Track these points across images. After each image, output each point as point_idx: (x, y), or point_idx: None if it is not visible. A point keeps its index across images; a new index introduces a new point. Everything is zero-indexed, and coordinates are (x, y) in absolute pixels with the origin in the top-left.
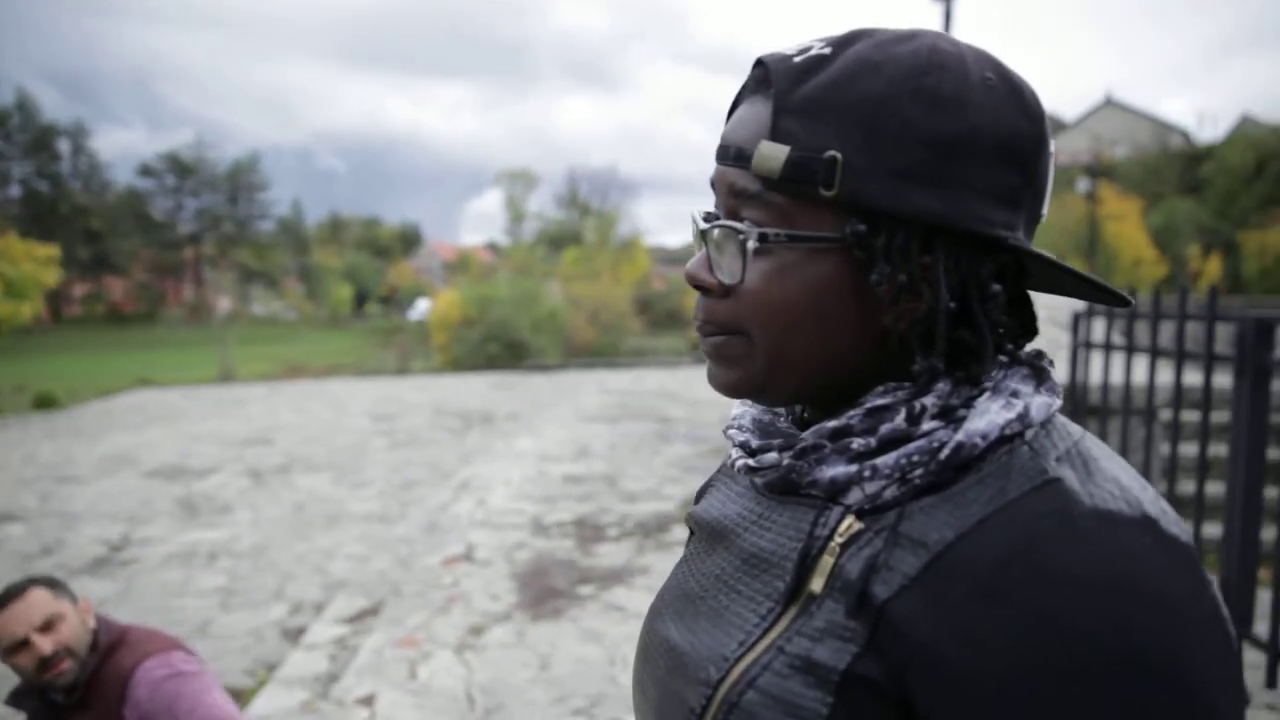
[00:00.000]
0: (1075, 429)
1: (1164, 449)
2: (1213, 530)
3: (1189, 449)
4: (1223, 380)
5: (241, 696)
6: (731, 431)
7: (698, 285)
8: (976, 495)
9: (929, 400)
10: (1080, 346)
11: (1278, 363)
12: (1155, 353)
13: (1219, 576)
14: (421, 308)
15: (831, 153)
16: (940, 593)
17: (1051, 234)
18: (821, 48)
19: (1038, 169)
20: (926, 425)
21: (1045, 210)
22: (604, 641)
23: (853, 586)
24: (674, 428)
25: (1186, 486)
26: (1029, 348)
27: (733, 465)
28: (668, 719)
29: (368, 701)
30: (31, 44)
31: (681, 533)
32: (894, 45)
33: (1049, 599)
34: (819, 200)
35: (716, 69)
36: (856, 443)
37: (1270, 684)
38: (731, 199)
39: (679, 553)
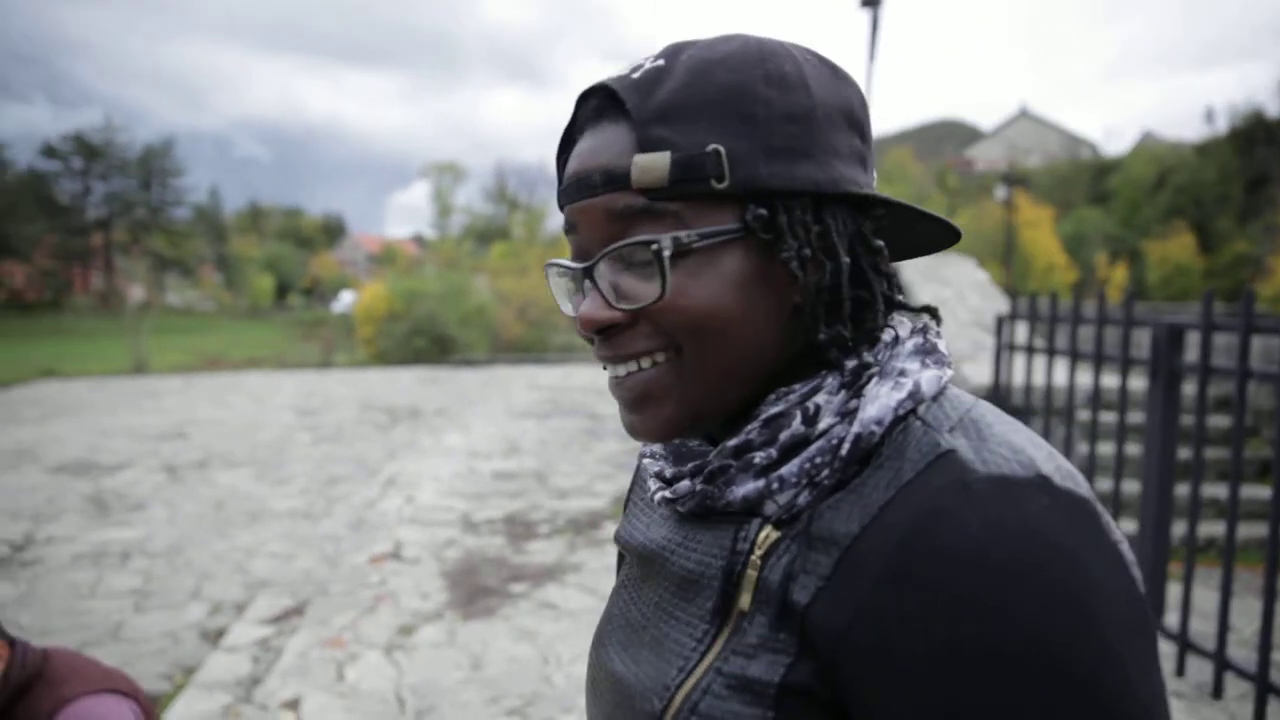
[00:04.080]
0: (968, 398)
1: (1082, 448)
2: (1127, 526)
3: (1105, 448)
4: (1137, 383)
5: (158, 702)
6: (646, 461)
7: (601, 327)
8: (876, 482)
9: (820, 399)
10: (1004, 349)
11: (1188, 366)
12: (1075, 355)
13: None
14: (346, 300)
15: (713, 146)
16: (852, 587)
17: (969, 239)
18: (654, 62)
19: (869, 129)
20: (823, 424)
21: (873, 169)
22: (537, 640)
23: (775, 597)
24: (604, 424)
25: (1103, 484)
26: (922, 329)
27: (651, 497)
28: None
29: (293, 705)
30: None
31: (613, 529)
32: (722, 45)
33: (951, 575)
34: (711, 195)
35: None
36: (759, 457)
37: (1179, 673)
38: (614, 224)
39: (611, 550)
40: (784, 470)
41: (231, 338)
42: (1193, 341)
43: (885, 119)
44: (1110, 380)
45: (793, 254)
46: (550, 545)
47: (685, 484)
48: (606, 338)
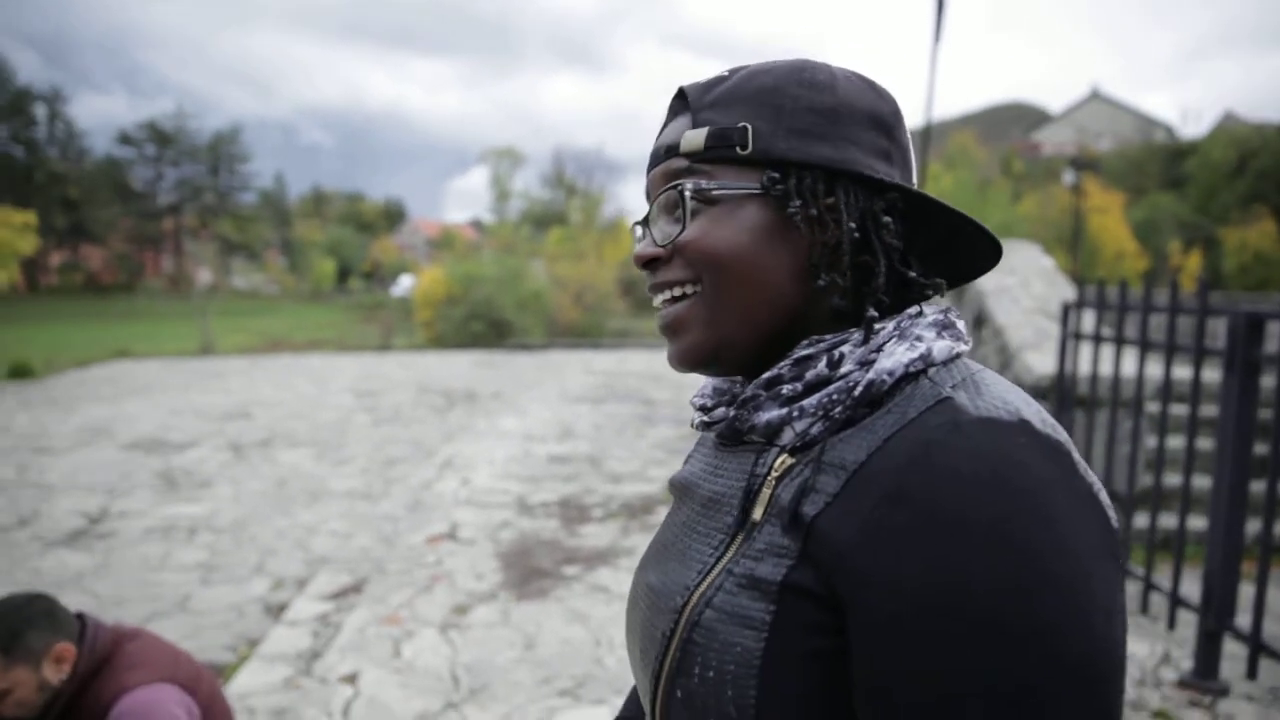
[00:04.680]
0: (975, 365)
1: (1151, 442)
2: (1198, 523)
3: (1175, 442)
4: (1210, 374)
5: (223, 672)
6: (694, 399)
7: (646, 261)
8: (884, 422)
9: (846, 349)
10: (1069, 338)
11: (1267, 357)
12: (1145, 345)
13: (1204, 569)
14: (405, 284)
15: (743, 123)
16: (855, 503)
17: (1034, 225)
18: (721, 74)
19: (900, 136)
20: (844, 369)
21: (915, 181)
22: (589, 623)
23: (786, 510)
24: (658, 410)
25: (1172, 479)
26: (945, 311)
27: (692, 423)
28: (648, 653)
29: (351, 679)
30: (7, 5)
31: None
32: (775, 62)
33: (940, 494)
34: (738, 160)
35: (703, 52)
36: (786, 388)
37: (1251, 675)
38: (665, 181)
39: None
40: (805, 401)
41: (294, 320)
42: (1273, 332)
43: (948, 102)
44: (1182, 371)
45: (799, 211)
46: (604, 529)
47: (720, 410)
48: (651, 270)
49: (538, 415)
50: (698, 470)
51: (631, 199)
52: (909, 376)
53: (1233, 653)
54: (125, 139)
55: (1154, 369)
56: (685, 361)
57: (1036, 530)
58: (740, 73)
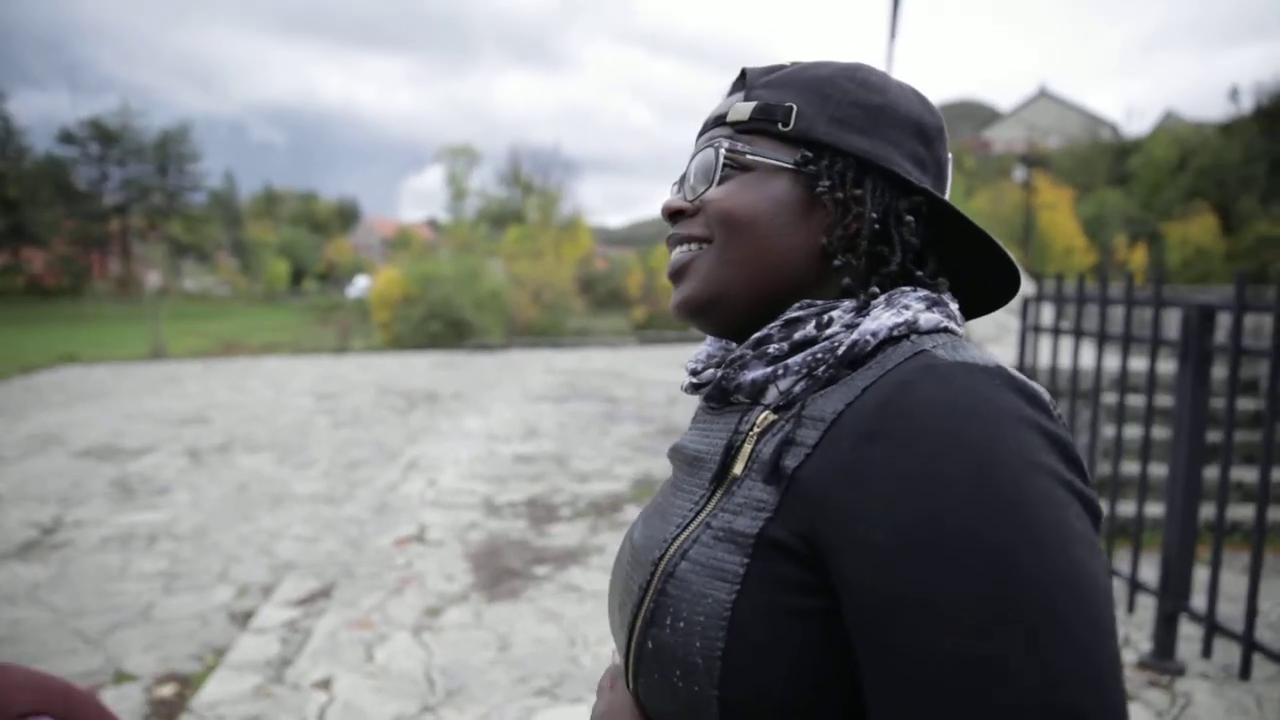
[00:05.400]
0: (961, 339)
1: (1108, 431)
2: (1155, 509)
3: (1132, 431)
4: (1164, 365)
5: (190, 682)
6: (687, 363)
7: (672, 212)
8: (864, 377)
9: (836, 314)
10: (1029, 330)
11: (1219, 348)
12: (1103, 337)
13: (1161, 554)
14: (361, 285)
15: (789, 103)
16: (834, 450)
17: (987, 221)
18: (783, 63)
19: (938, 148)
20: (830, 331)
21: (947, 194)
22: (563, 622)
23: (767, 464)
24: (622, 408)
25: (1130, 468)
26: (940, 292)
27: (681, 386)
28: (625, 607)
29: (325, 685)
30: None
31: (633, 513)
32: (835, 60)
33: (912, 424)
34: (777, 135)
35: (657, 50)
36: (773, 347)
37: (1206, 654)
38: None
39: None
40: (790, 360)
41: (248, 323)
42: (1222, 323)
43: None
44: (1138, 363)
45: (826, 192)
46: (572, 528)
47: (709, 372)
48: (675, 222)
49: (501, 415)
50: (689, 435)
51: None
52: (893, 340)
53: (1189, 634)
54: (67, 137)
55: (1110, 361)
56: (682, 307)
57: (1008, 458)
58: (799, 64)
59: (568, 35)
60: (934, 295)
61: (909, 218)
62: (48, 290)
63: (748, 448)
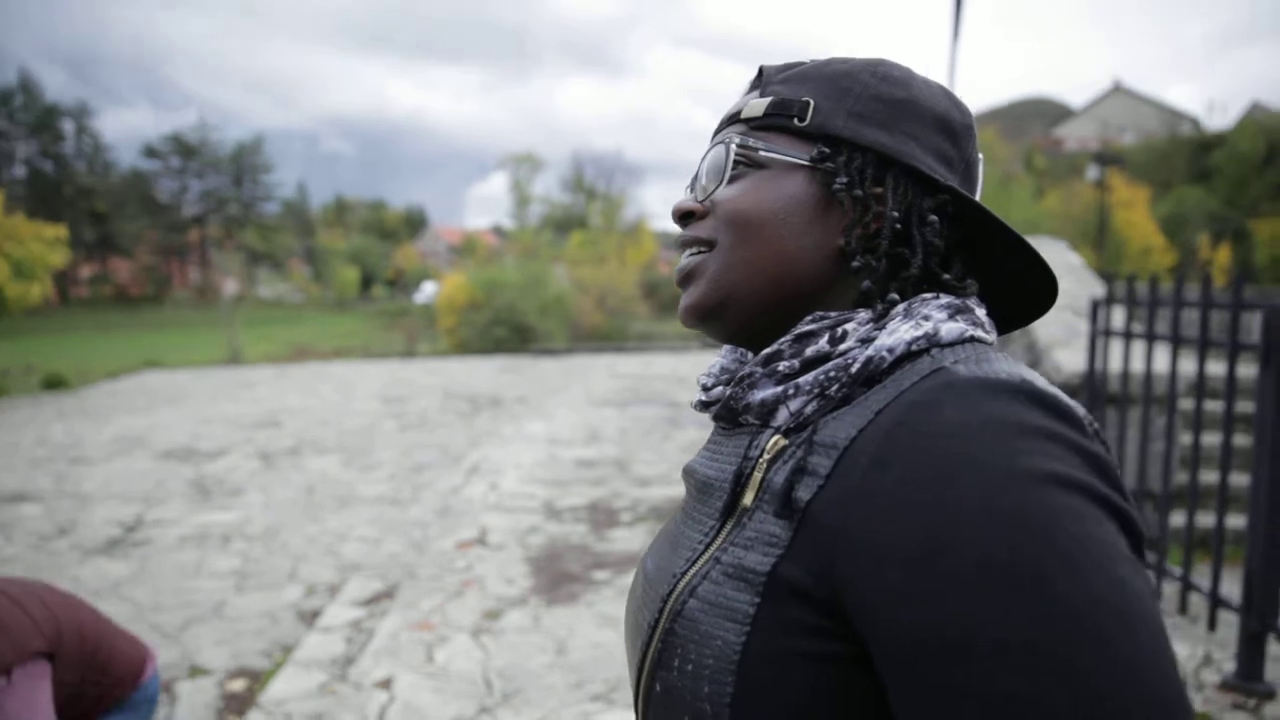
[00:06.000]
0: (988, 350)
1: (1185, 438)
2: (1236, 521)
3: (1210, 439)
4: (1244, 370)
5: (259, 678)
6: (699, 377)
7: (683, 214)
8: (878, 397)
9: (850, 326)
10: (1099, 334)
11: None
12: (1177, 340)
13: (1244, 569)
14: (427, 291)
15: (806, 97)
16: (846, 480)
17: (1058, 221)
18: (803, 60)
19: (966, 146)
20: (844, 346)
21: (978, 196)
22: (620, 627)
23: (779, 494)
24: (684, 412)
25: (1209, 476)
26: (965, 297)
27: (691, 404)
28: (635, 643)
29: (386, 684)
30: (35, 23)
31: None
32: (854, 56)
33: (928, 448)
34: (793, 131)
35: (718, 53)
36: (783, 365)
37: None
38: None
39: None
40: (801, 379)
41: (319, 329)
42: None
43: (969, 99)
44: (1215, 367)
45: (843, 189)
46: (632, 533)
47: (718, 390)
48: (685, 224)
49: (563, 419)
50: (701, 457)
51: (651, 201)
52: (911, 355)
53: (1278, 654)
54: (151, 152)
55: (1187, 365)
56: (688, 312)
57: (1029, 475)
58: (818, 60)
59: (629, 41)
60: (958, 302)
61: (933, 217)
62: (132, 298)
63: (758, 476)
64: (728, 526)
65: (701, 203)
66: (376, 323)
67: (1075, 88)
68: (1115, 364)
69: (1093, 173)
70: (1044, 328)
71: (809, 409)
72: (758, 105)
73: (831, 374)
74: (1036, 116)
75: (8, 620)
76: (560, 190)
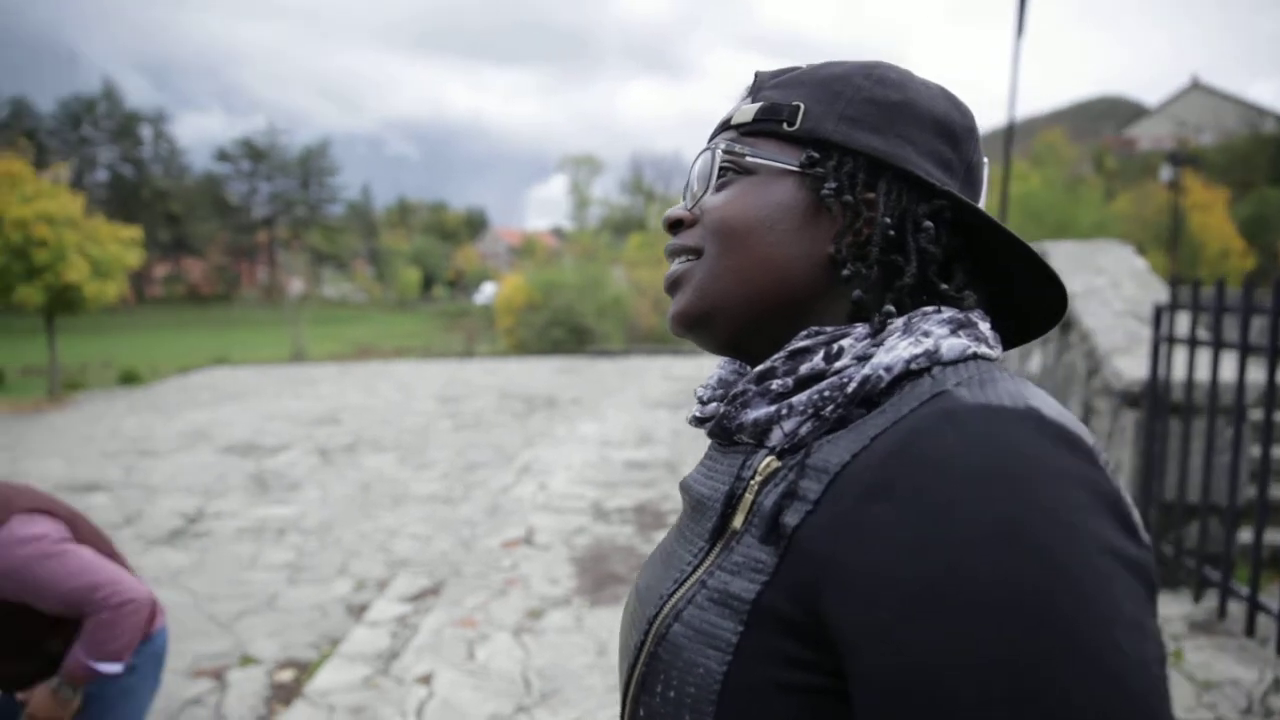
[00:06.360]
0: (998, 369)
1: (1254, 451)
2: None
3: None
4: None
5: (307, 669)
6: (696, 389)
7: (672, 223)
8: (875, 422)
9: (846, 343)
10: (1162, 341)
11: None
12: (1245, 349)
13: None
14: (487, 292)
15: (796, 101)
16: (837, 507)
17: (1129, 225)
18: (798, 65)
19: (967, 149)
20: (840, 363)
21: (981, 202)
22: None
23: (765, 520)
24: None
25: (1278, 491)
26: (968, 310)
27: (688, 419)
28: (622, 664)
29: (426, 680)
30: (117, 33)
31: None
32: (850, 59)
33: (926, 482)
34: (783, 136)
35: (779, 54)
36: (776, 383)
37: None
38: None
39: None
40: (795, 399)
41: (381, 328)
42: None
43: (1036, 98)
44: None
45: (832, 194)
46: None
47: (713, 405)
48: (675, 232)
49: (617, 421)
50: (698, 470)
51: None
52: (911, 374)
53: None
54: (223, 156)
55: (1255, 374)
56: (675, 321)
57: (1038, 522)
58: (813, 65)
59: (689, 43)
60: (960, 316)
61: (928, 223)
62: (204, 297)
63: (749, 498)
64: (716, 549)
65: (690, 210)
66: (437, 323)
67: (1150, 85)
68: (1179, 372)
69: (1166, 173)
70: (1104, 334)
71: (803, 430)
72: (748, 110)
73: (826, 394)
74: (1108, 116)
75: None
76: (619, 192)
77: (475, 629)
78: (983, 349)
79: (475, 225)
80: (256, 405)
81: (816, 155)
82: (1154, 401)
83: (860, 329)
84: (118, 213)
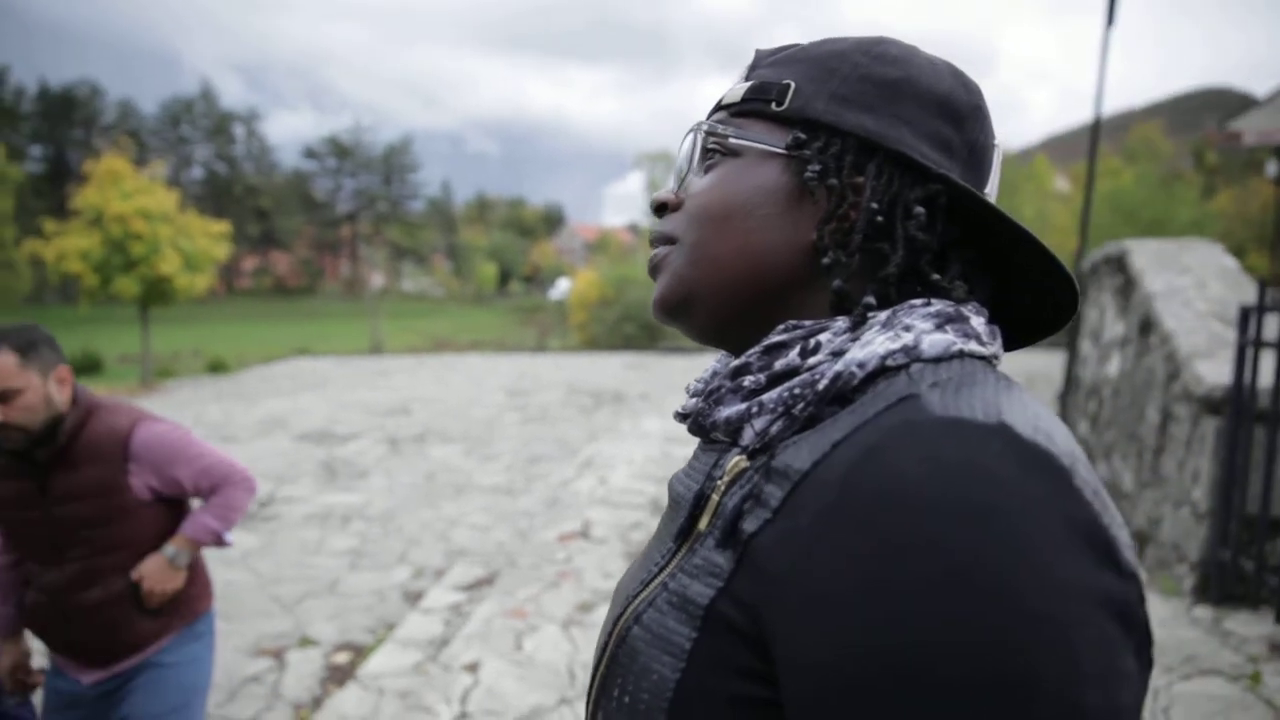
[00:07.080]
0: (984, 369)
1: None
2: None
3: None
4: None
5: (362, 653)
6: (690, 383)
7: (658, 206)
8: (842, 423)
9: (824, 337)
10: (1248, 345)
11: None
12: None
13: None
14: (562, 287)
15: (787, 80)
16: (793, 521)
17: (1230, 223)
18: (798, 42)
19: (972, 130)
20: (814, 360)
21: (989, 190)
22: None
23: (726, 523)
24: None
25: None
26: (961, 303)
27: (674, 415)
28: (592, 664)
29: (473, 668)
30: (214, 34)
31: None
32: (852, 36)
33: (876, 516)
34: (771, 117)
35: None
36: (749, 380)
37: None
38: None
39: None
40: (766, 396)
41: (458, 322)
42: None
43: (1129, 91)
44: None
45: (815, 177)
46: None
47: (693, 402)
48: (660, 216)
49: None
50: (684, 468)
51: None
52: (887, 371)
53: None
54: (310, 153)
55: None
56: (655, 306)
57: (999, 563)
58: (814, 41)
59: (768, 39)
60: (950, 310)
61: (919, 210)
62: (289, 289)
63: (715, 499)
64: (682, 550)
65: (675, 194)
66: (512, 317)
67: (1257, 74)
68: (1266, 378)
69: (1273, 169)
70: (1185, 336)
71: (774, 429)
72: (738, 90)
73: (797, 391)
74: (1211, 108)
75: None
76: None
77: (525, 620)
78: (971, 345)
79: (553, 221)
80: (333, 395)
81: (803, 136)
82: (1238, 408)
83: (840, 322)
84: (210, 208)
